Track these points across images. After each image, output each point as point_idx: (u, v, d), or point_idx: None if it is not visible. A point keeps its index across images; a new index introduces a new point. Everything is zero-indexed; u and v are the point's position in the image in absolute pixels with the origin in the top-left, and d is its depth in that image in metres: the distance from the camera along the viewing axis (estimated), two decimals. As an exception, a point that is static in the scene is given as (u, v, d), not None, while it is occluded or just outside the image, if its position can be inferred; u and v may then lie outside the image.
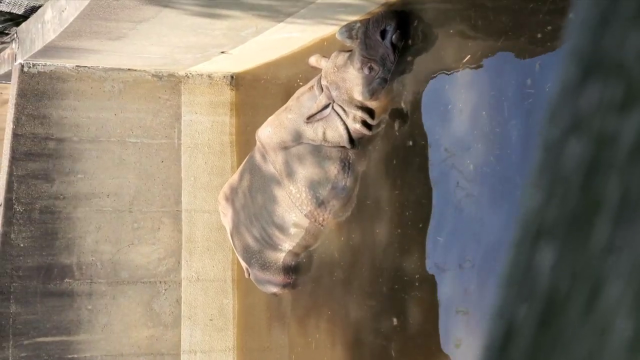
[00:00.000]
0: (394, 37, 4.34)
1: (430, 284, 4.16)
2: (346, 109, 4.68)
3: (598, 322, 0.59)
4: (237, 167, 6.11)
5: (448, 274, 4.03)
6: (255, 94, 6.56)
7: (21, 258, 6.09)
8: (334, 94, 4.69)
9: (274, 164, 5.22)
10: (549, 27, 3.35)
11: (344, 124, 4.73)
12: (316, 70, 4.95)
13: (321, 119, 4.82)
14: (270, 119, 5.27)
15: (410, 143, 4.38)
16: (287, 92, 5.62)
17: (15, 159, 6.13)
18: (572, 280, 0.60)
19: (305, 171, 5.02)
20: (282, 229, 5.30)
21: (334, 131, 4.79)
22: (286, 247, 5.37)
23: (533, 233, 0.63)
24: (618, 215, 0.59)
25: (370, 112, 4.64)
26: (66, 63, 6.32)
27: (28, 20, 6.07)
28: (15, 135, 6.15)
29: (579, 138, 0.61)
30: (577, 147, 0.61)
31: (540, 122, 0.65)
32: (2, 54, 6.99)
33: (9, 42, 6.51)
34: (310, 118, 4.83)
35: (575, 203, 0.61)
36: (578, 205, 0.61)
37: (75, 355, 6.25)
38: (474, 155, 3.83)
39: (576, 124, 0.62)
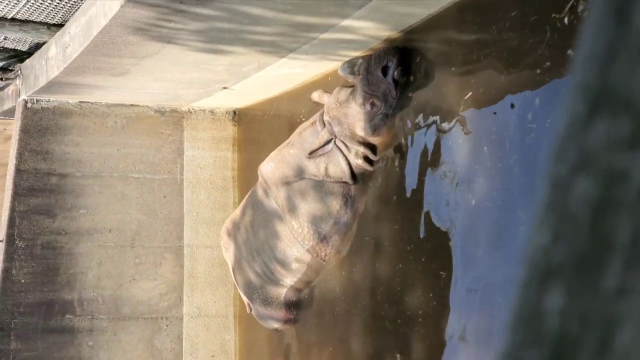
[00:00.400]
0: (395, 73, 4.35)
1: (433, 319, 4.13)
2: (348, 144, 4.68)
3: None
4: (240, 202, 6.10)
5: (451, 309, 4.00)
6: (258, 129, 6.58)
7: (22, 294, 6.06)
8: (336, 129, 4.69)
9: (276, 199, 5.22)
10: (548, 63, 3.36)
11: (346, 159, 4.73)
12: (318, 106, 4.96)
13: (323, 154, 4.82)
14: (272, 154, 5.27)
15: (412, 178, 4.37)
16: (289, 128, 5.63)
17: (17, 194, 6.13)
18: (582, 324, 0.58)
19: (308, 206, 5.01)
20: (283, 264, 5.27)
21: (336, 166, 4.78)
22: (288, 282, 5.34)
23: (540, 273, 0.62)
24: (629, 255, 0.57)
25: (372, 147, 4.64)
26: (69, 99, 6.34)
27: (32, 56, 6.11)
28: (18, 171, 6.15)
29: (586, 175, 0.60)
30: (585, 185, 0.60)
31: (547, 158, 0.64)
32: (6, 90, 7.03)
33: (13, 79, 6.54)
34: (312, 153, 4.83)
35: (584, 243, 0.59)
36: (587, 245, 0.59)
37: (76, 392, 6.20)
38: (476, 190, 3.82)
39: (584, 161, 0.60)
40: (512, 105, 3.61)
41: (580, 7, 3.13)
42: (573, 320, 0.59)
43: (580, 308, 0.58)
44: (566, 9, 3.21)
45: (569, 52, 3.22)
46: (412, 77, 4.38)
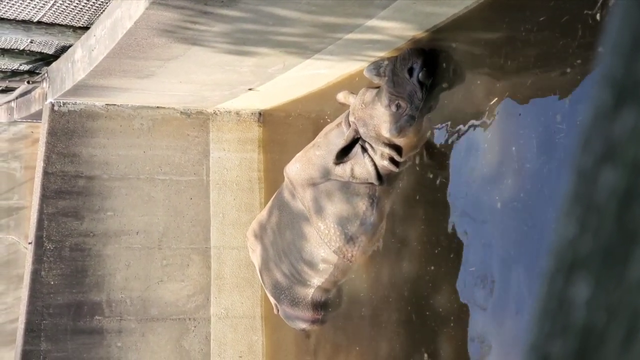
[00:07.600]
0: (421, 74, 4.33)
1: (461, 318, 4.11)
2: (374, 145, 4.67)
3: (636, 359, 0.56)
4: (266, 203, 6.11)
5: (479, 308, 3.98)
6: (283, 130, 6.59)
7: (51, 295, 6.11)
8: (361, 130, 4.68)
9: (302, 201, 5.22)
10: (579, 61, 3.32)
11: (372, 160, 4.71)
12: (344, 107, 4.95)
13: (347, 161, 4.81)
14: (298, 155, 5.28)
15: (438, 180, 4.36)
16: (314, 129, 5.63)
17: (45, 197, 6.18)
18: (608, 315, 0.58)
19: (334, 207, 5.01)
20: (310, 265, 5.28)
21: (362, 168, 4.78)
22: (315, 283, 5.35)
23: (567, 264, 0.61)
24: None
25: (397, 149, 4.62)
26: (96, 101, 6.39)
27: (58, 59, 6.16)
28: (46, 174, 6.20)
29: (613, 166, 0.60)
30: (611, 176, 0.60)
31: (573, 150, 0.64)
32: (33, 93, 7.09)
33: (40, 82, 6.60)
34: (339, 159, 4.81)
35: (610, 234, 0.59)
36: (613, 236, 0.59)
37: (104, 393, 6.24)
38: (504, 191, 3.80)
39: (610, 152, 0.60)
40: (541, 106, 3.58)
41: (612, 1, 3.10)
42: (599, 312, 0.58)
43: (607, 299, 0.58)
44: (598, 5, 3.18)
45: (601, 49, 3.18)
46: (438, 78, 4.36)
